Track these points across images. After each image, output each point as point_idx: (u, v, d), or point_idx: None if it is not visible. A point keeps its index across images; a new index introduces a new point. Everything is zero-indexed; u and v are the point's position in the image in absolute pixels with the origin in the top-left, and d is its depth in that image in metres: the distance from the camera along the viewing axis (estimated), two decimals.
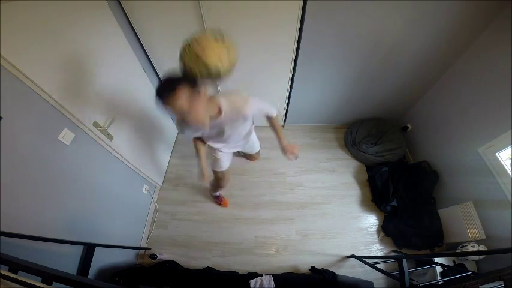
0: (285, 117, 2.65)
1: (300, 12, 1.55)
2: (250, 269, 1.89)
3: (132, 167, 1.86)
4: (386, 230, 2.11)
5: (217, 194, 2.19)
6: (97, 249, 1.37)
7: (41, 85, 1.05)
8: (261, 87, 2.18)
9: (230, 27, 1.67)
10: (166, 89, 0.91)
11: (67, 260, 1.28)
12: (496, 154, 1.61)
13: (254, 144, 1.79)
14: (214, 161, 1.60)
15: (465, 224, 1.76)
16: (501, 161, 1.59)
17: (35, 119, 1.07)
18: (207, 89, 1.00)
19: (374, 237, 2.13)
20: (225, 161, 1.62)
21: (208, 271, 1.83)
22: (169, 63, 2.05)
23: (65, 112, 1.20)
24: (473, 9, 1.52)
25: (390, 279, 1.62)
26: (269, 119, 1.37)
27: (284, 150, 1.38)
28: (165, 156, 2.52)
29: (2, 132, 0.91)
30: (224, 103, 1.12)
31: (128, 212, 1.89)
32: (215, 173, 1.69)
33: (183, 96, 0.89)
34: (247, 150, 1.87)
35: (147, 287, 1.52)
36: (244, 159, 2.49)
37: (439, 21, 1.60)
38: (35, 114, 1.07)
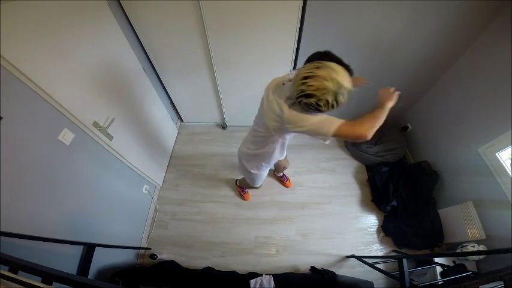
0: None
1: (300, 12, 1.55)
2: (250, 269, 1.89)
3: (132, 167, 1.86)
4: (386, 230, 2.11)
5: (281, 174, 2.33)
6: (97, 249, 1.37)
7: (41, 85, 1.05)
8: (260, 87, 2.17)
9: (230, 28, 1.68)
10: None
11: (67, 260, 1.28)
12: (496, 154, 1.61)
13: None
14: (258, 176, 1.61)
15: (465, 224, 1.76)
16: (501, 161, 1.59)
17: (35, 119, 1.07)
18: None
19: (374, 237, 2.13)
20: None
21: (208, 271, 1.83)
22: (169, 63, 2.05)
23: (65, 112, 1.20)
24: (473, 9, 1.52)
25: (390, 279, 1.62)
26: None
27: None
28: (165, 156, 2.52)
29: (2, 132, 0.91)
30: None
31: (128, 212, 1.89)
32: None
33: None
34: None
35: (147, 287, 1.52)
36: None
37: (439, 21, 1.60)
38: (35, 114, 1.07)
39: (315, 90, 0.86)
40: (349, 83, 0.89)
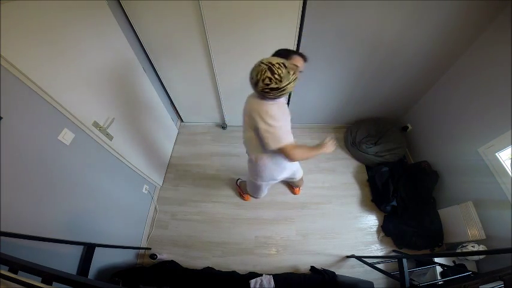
0: None
1: (300, 12, 1.55)
2: (250, 269, 1.89)
3: (132, 167, 1.86)
4: (386, 230, 2.11)
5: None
6: (97, 249, 1.37)
7: (40, 85, 1.05)
8: None
9: (230, 28, 1.68)
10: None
11: (67, 260, 1.28)
12: (496, 154, 1.61)
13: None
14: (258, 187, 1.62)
15: (465, 224, 1.76)
16: (501, 161, 1.59)
17: (35, 119, 1.07)
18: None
19: (374, 237, 2.13)
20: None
21: (208, 271, 1.83)
22: (169, 63, 2.05)
23: (65, 112, 1.20)
24: (473, 9, 1.52)
25: (390, 279, 1.62)
26: None
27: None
28: (165, 156, 2.52)
29: (2, 132, 0.91)
30: None
31: (128, 212, 1.89)
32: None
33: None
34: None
35: (147, 287, 1.52)
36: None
37: (439, 21, 1.60)
38: (35, 114, 1.07)
39: (256, 75, 1.03)
40: (280, 61, 1.03)
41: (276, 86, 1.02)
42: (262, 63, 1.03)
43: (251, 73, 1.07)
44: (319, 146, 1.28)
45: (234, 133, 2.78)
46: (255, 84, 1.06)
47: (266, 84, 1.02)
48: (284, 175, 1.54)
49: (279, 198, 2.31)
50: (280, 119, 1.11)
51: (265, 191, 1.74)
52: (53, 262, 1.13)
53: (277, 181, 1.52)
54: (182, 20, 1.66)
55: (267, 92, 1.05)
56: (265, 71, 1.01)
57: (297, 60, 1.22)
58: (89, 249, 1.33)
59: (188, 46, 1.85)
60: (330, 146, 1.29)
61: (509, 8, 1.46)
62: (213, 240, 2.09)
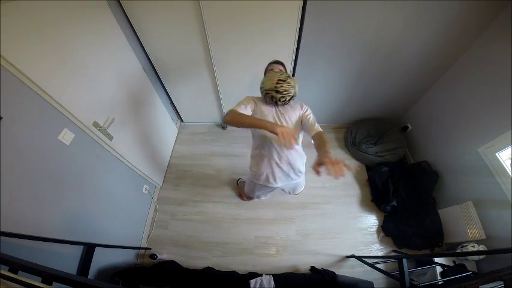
0: None
1: (300, 12, 1.55)
2: (250, 269, 1.89)
3: (132, 167, 1.86)
4: (386, 230, 2.11)
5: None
6: (97, 249, 1.37)
7: (41, 85, 1.05)
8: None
9: (230, 28, 1.68)
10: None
11: (67, 260, 1.28)
12: (496, 154, 1.61)
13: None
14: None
15: (465, 224, 1.76)
16: (501, 161, 1.59)
17: (35, 119, 1.07)
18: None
19: (374, 237, 2.13)
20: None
21: (208, 271, 1.83)
22: (169, 63, 2.05)
23: (65, 112, 1.20)
24: (473, 9, 1.52)
25: (390, 279, 1.62)
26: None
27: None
28: (165, 156, 2.52)
29: (2, 132, 0.91)
30: None
31: (128, 212, 1.89)
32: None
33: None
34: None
35: (147, 287, 1.52)
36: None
37: (439, 21, 1.60)
38: (35, 114, 1.07)
39: (284, 91, 1.20)
40: (295, 95, 1.26)
41: (275, 100, 1.23)
42: (294, 88, 1.23)
43: (283, 82, 1.19)
44: (272, 127, 1.03)
45: (234, 133, 2.78)
46: (276, 90, 1.20)
47: (277, 96, 1.21)
48: (282, 179, 1.42)
49: (279, 198, 2.31)
50: (248, 108, 1.25)
51: (260, 196, 1.74)
52: (53, 262, 1.13)
53: (273, 186, 1.43)
54: (182, 20, 1.66)
55: (270, 99, 1.25)
56: (289, 95, 1.22)
57: (274, 67, 1.43)
58: (89, 249, 1.33)
59: (188, 46, 1.85)
60: (278, 132, 1.00)
61: (509, 8, 1.46)
62: (213, 240, 2.09)
